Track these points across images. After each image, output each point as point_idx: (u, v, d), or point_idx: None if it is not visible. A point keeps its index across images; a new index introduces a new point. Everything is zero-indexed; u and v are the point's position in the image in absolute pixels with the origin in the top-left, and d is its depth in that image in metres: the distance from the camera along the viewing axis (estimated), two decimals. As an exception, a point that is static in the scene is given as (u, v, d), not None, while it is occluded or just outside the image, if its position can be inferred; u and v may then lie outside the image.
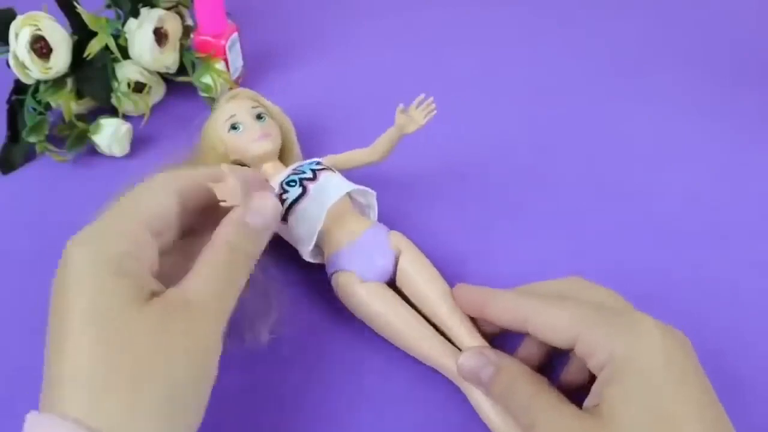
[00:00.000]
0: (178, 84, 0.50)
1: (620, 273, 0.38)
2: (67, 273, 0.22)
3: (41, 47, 0.43)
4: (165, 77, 0.50)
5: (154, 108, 0.50)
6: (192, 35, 0.50)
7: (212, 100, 0.50)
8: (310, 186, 0.34)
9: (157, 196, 0.25)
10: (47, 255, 0.38)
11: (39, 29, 0.42)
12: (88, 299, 0.21)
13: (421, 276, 0.32)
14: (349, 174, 0.37)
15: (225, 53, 0.49)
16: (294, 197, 0.34)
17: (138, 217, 0.24)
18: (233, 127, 0.37)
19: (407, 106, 0.36)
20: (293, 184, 0.34)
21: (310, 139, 0.45)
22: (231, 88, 0.51)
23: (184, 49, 0.49)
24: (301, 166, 0.36)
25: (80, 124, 0.44)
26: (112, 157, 0.45)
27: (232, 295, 0.24)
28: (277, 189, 0.35)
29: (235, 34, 0.50)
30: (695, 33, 0.62)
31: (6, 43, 0.43)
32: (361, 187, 0.35)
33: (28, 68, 0.43)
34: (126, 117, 0.47)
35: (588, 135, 0.49)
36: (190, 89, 0.50)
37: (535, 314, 0.27)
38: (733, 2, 0.67)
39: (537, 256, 0.39)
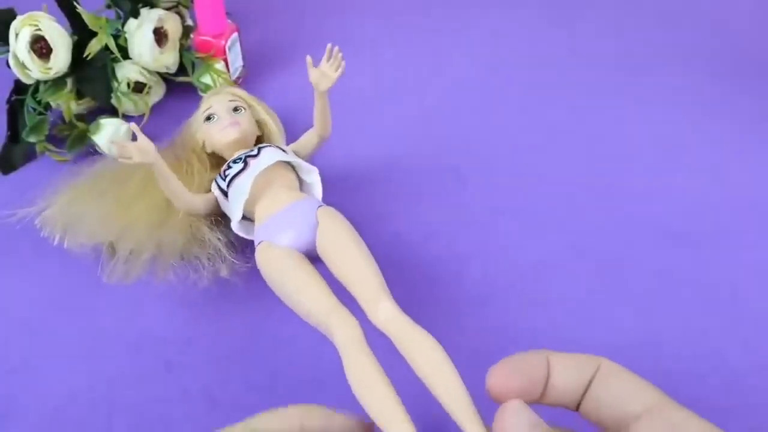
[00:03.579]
0: (178, 84, 0.50)
1: (620, 273, 0.38)
2: None
3: (41, 47, 0.43)
4: (165, 77, 0.50)
5: (154, 108, 0.50)
6: (192, 35, 0.50)
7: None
8: (251, 162, 0.35)
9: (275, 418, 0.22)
10: (47, 255, 0.38)
11: (39, 29, 0.42)
12: None
13: (335, 246, 0.31)
14: (353, 169, 0.38)
15: (225, 53, 0.49)
16: (235, 172, 0.35)
17: None
18: (208, 118, 0.39)
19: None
20: (238, 161, 0.36)
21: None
22: (238, 77, 0.51)
23: (183, 49, 0.49)
24: (255, 147, 0.37)
25: (80, 124, 0.44)
26: (112, 157, 0.45)
27: None
28: (224, 166, 0.37)
29: (235, 34, 0.50)
30: (696, 33, 0.62)
31: (6, 43, 0.43)
32: (296, 160, 0.36)
33: (28, 68, 0.43)
34: (126, 117, 0.47)
35: (588, 135, 0.49)
36: (190, 89, 0.50)
37: (610, 369, 0.22)
38: (733, 2, 0.67)
39: (537, 256, 0.39)
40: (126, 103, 0.47)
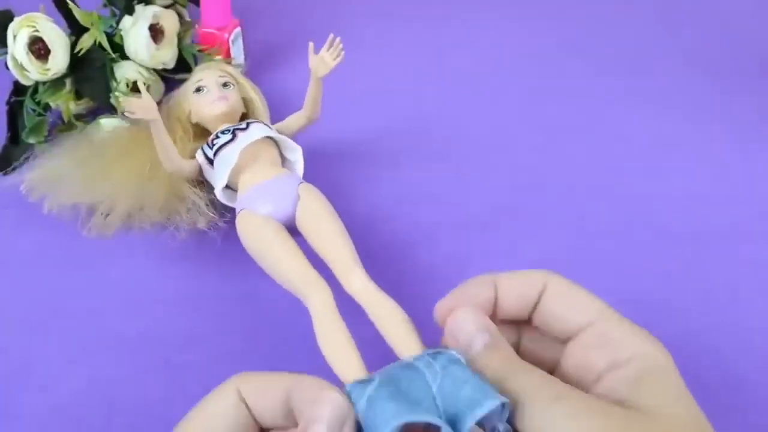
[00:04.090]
0: (178, 83, 0.50)
1: (620, 273, 0.38)
2: None
3: (39, 48, 0.43)
4: (164, 76, 0.50)
5: (153, 108, 0.50)
6: (194, 29, 0.50)
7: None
8: (240, 134, 0.37)
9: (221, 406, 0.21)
10: (48, 255, 0.38)
11: (37, 30, 0.42)
12: None
13: (314, 220, 0.33)
14: (353, 169, 0.38)
15: (228, 46, 0.49)
16: (223, 142, 0.37)
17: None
18: (198, 89, 0.41)
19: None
20: (227, 132, 0.37)
21: (309, 135, 0.45)
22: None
23: (183, 44, 0.49)
24: (243, 121, 0.39)
25: (80, 124, 0.44)
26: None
27: None
28: (212, 135, 0.38)
29: (239, 29, 0.50)
30: (695, 33, 0.62)
31: (4, 44, 0.43)
32: (282, 137, 0.38)
33: (26, 69, 0.43)
34: (125, 117, 0.47)
35: (588, 135, 0.49)
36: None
37: (557, 284, 0.24)
38: (733, 2, 0.67)
39: (537, 256, 0.39)
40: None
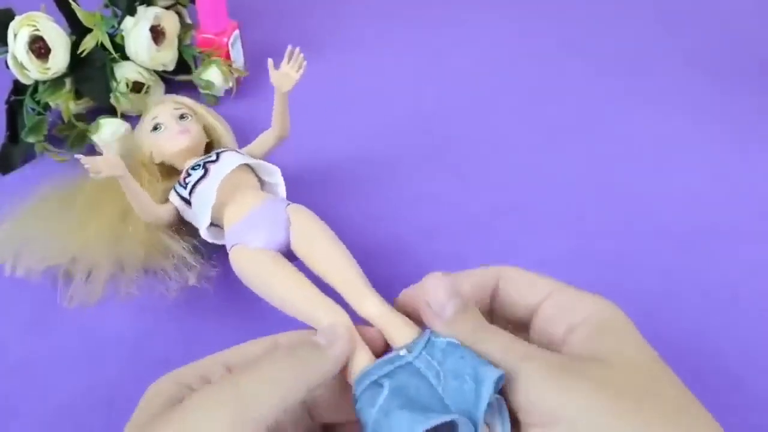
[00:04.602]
0: (178, 83, 0.50)
1: (620, 273, 0.38)
2: None
3: (40, 47, 0.43)
4: (164, 77, 0.50)
5: (154, 108, 0.50)
6: (193, 33, 0.50)
7: (214, 98, 0.50)
8: (212, 167, 0.35)
9: (254, 345, 0.25)
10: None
11: (37, 29, 0.42)
12: None
13: (311, 243, 0.31)
14: (352, 169, 0.37)
15: (228, 50, 0.49)
16: (195, 179, 0.35)
17: (221, 356, 0.24)
18: (155, 128, 0.39)
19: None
20: (197, 167, 0.36)
21: (309, 136, 0.45)
22: (239, 78, 0.51)
23: (183, 45, 0.49)
24: (212, 152, 0.37)
25: (80, 124, 0.44)
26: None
27: None
28: (183, 174, 0.36)
29: (237, 32, 0.50)
30: (695, 33, 0.62)
31: (4, 43, 0.43)
32: (258, 161, 0.36)
33: (26, 68, 0.42)
34: (125, 117, 0.47)
35: (588, 135, 0.49)
36: (190, 89, 0.50)
37: (507, 274, 0.26)
38: (733, 2, 0.67)
39: (537, 256, 0.39)
40: (125, 102, 0.47)
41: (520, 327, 0.26)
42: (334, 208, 0.41)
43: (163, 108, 0.40)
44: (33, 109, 0.44)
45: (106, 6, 0.48)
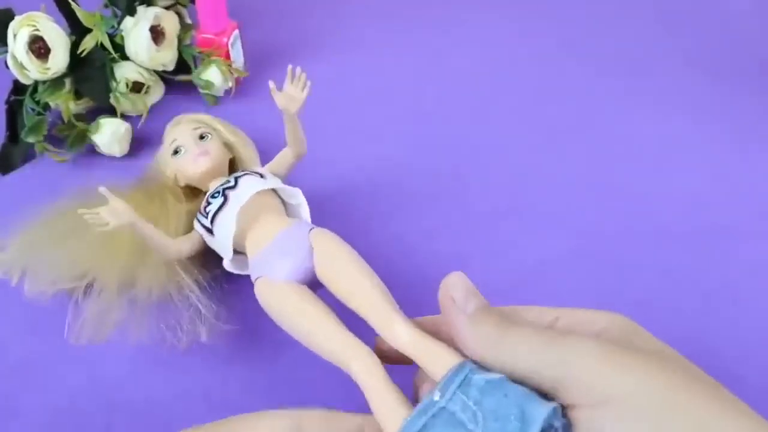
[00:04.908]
0: (178, 84, 0.50)
1: (620, 272, 0.38)
2: None
3: (39, 47, 0.42)
4: (164, 77, 0.50)
5: (154, 108, 0.50)
6: (193, 33, 0.50)
7: (213, 98, 0.50)
8: (231, 194, 0.34)
9: (275, 420, 0.23)
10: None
11: (37, 29, 0.42)
12: None
13: (336, 270, 0.29)
14: (352, 170, 0.37)
15: (228, 50, 0.49)
16: (216, 208, 0.34)
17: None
18: (176, 151, 0.38)
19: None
20: (217, 195, 0.34)
21: (309, 137, 0.45)
22: (238, 78, 0.51)
23: (183, 45, 0.49)
24: (231, 176, 0.36)
25: (80, 124, 0.44)
26: (111, 157, 0.45)
27: None
28: (203, 203, 0.35)
29: (236, 31, 0.50)
30: (695, 34, 0.62)
31: (4, 43, 0.43)
32: (282, 186, 0.35)
33: (26, 69, 0.42)
34: (125, 117, 0.47)
35: (588, 135, 0.49)
36: (190, 89, 0.50)
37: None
38: (733, 3, 0.67)
39: (537, 256, 0.39)
40: (124, 102, 0.47)
41: None
42: (334, 206, 0.41)
43: (182, 129, 0.39)
44: (33, 109, 0.44)
45: (106, 6, 0.48)
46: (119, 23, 0.47)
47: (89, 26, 0.44)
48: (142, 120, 0.47)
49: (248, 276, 0.32)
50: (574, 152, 0.47)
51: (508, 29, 0.62)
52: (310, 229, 0.31)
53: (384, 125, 0.43)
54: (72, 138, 0.44)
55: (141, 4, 0.47)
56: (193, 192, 0.39)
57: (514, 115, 0.50)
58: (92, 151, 0.45)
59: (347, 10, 0.64)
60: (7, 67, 0.43)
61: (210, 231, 0.34)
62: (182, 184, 0.39)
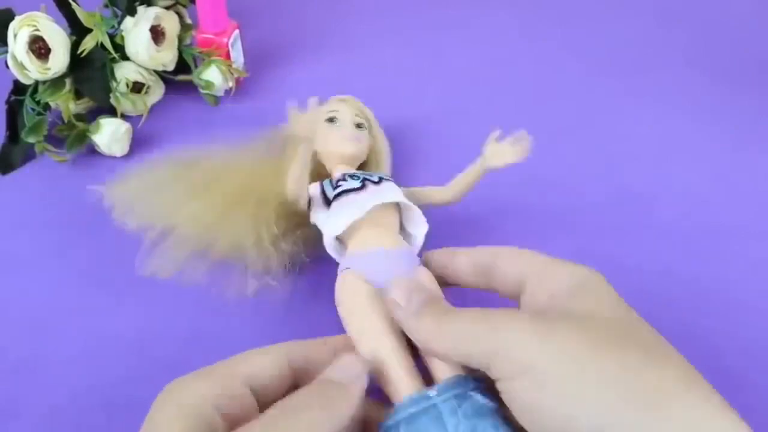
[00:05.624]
0: (178, 84, 0.50)
1: (620, 273, 0.38)
2: (149, 416, 0.22)
3: (40, 47, 0.43)
4: (164, 77, 0.50)
5: (154, 108, 0.50)
6: (193, 33, 0.50)
7: (213, 98, 0.50)
8: (371, 186, 0.33)
9: (265, 356, 0.25)
10: (47, 255, 0.38)
11: (37, 30, 0.42)
12: None
13: None
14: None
15: (228, 51, 0.49)
16: (349, 188, 0.32)
17: (237, 370, 0.24)
18: (331, 119, 0.37)
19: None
20: (356, 178, 0.33)
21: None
22: (239, 78, 0.51)
23: (183, 45, 0.49)
24: (374, 173, 0.35)
25: (80, 124, 0.44)
26: (111, 157, 0.45)
27: None
28: (338, 174, 0.34)
29: (237, 31, 0.50)
30: (695, 33, 0.62)
31: (4, 43, 0.43)
32: (415, 209, 0.33)
33: (26, 69, 0.42)
34: (125, 117, 0.47)
35: (588, 135, 0.49)
36: (190, 89, 0.50)
37: (503, 253, 0.27)
38: (733, 2, 0.67)
39: (537, 256, 0.39)
40: (125, 102, 0.47)
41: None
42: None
43: (346, 107, 0.38)
44: (33, 109, 0.44)
45: (106, 6, 0.48)
46: (119, 23, 0.47)
47: (89, 26, 0.44)
48: (143, 120, 0.47)
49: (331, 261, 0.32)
50: (575, 152, 0.47)
51: (508, 29, 0.62)
52: (418, 265, 0.30)
53: (383, 125, 0.43)
54: (72, 138, 0.44)
55: (141, 4, 0.47)
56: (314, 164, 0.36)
57: (514, 115, 0.50)
58: (92, 151, 0.45)
59: (347, 10, 0.64)
60: (7, 67, 0.43)
61: (328, 203, 0.33)
62: (317, 147, 0.36)
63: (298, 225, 0.35)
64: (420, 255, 0.32)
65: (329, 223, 0.32)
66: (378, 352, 0.26)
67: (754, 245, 0.40)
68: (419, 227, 0.33)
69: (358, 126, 0.38)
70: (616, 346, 0.20)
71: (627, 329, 0.22)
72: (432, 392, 0.23)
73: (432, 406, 0.22)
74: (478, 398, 0.22)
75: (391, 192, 0.33)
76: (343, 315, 0.29)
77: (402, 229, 0.34)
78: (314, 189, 0.34)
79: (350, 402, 0.23)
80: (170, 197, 0.36)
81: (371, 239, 0.31)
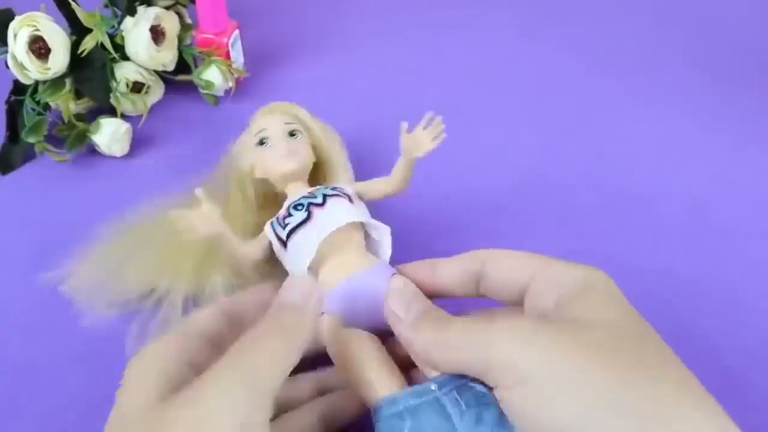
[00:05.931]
0: (178, 84, 0.50)
1: (620, 273, 0.38)
2: (122, 385, 0.23)
3: (40, 48, 0.43)
4: (164, 77, 0.50)
5: (154, 108, 0.50)
6: (193, 33, 0.50)
7: (213, 98, 0.50)
8: (316, 212, 0.31)
9: (203, 311, 0.27)
10: (47, 255, 0.38)
11: (37, 30, 0.42)
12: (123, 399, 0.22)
13: None
14: (356, 166, 0.37)
15: (228, 51, 0.49)
16: (296, 223, 0.31)
17: (186, 327, 0.25)
18: (261, 142, 0.35)
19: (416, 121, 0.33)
20: (300, 207, 0.31)
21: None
22: (239, 78, 0.51)
23: (183, 45, 0.49)
24: (318, 189, 0.33)
25: (80, 124, 0.44)
26: (111, 157, 0.45)
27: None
28: (283, 211, 0.32)
29: (237, 32, 0.50)
30: (695, 33, 0.62)
31: (4, 43, 0.43)
32: (371, 221, 0.31)
33: (26, 69, 0.42)
34: (125, 117, 0.47)
35: (588, 135, 0.49)
36: (190, 89, 0.50)
37: (493, 257, 0.26)
38: (733, 2, 0.67)
39: (537, 256, 0.39)
40: (124, 102, 0.47)
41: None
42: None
43: (273, 120, 0.35)
44: (33, 109, 0.44)
45: (106, 6, 0.48)
46: (119, 23, 0.47)
47: (89, 26, 0.44)
48: (143, 120, 0.47)
49: None
50: (574, 152, 0.47)
51: (509, 29, 0.62)
52: (393, 274, 0.29)
53: (383, 125, 0.43)
54: (72, 138, 0.44)
55: (141, 4, 0.47)
56: (263, 185, 0.36)
57: (514, 115, 0.50)
58: (92, 151, 0.45)
59: (347, 10, 0.64)
60: (7, 67, 0.43)
61: (284, 244, 0.31)
62: (259, 176, 0.35)
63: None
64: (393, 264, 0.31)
65: (291, 267, 0.31)
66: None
67: (754, 245, 0.40)
68: (383, 232, 0.32)
69: (291, 134, 0.35)
70: (619, 358, 0.20)
71: (632, 338, 0.22)
72: (433, 385, 0.23)
73: (434, 398, 0.22)
74: (479, 388, 0.22)
75: (338, 213, 0.31)
76: (341, 368, 0.27)
77: (368, 236, 0.32)
78: (270, 233, 0.32)
79: (308, 325, 0.24)
80: (140, 265, 0.34)
81: (338, 269, 0.29)
